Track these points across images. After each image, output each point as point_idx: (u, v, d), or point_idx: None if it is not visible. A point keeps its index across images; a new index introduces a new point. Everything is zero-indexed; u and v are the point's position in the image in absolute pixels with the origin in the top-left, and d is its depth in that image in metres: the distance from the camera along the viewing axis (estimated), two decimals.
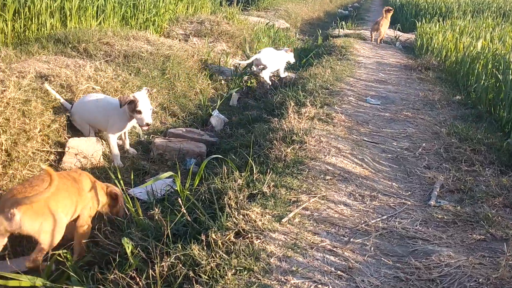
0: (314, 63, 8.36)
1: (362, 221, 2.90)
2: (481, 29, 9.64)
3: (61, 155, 4.03)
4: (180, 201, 2.76)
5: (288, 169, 3.45)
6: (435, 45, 9.25)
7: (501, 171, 3.77)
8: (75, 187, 2.69)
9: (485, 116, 5.30)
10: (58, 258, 2.55)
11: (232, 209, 2.72)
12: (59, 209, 2.49)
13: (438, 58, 8.75)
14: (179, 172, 3.22)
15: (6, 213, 2.31)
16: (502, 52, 6.37)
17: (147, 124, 3.94)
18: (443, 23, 11.60)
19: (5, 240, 2.43)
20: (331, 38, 11.65)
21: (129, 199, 3.00)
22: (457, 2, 16.82)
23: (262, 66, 7.19)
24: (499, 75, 5.48)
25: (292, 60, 7.73)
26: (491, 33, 9.03)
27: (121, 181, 3.12)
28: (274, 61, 7.27)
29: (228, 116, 6.05)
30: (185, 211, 2.69)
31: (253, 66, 7.39)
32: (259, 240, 2.45)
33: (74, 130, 4.39)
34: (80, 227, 2.72)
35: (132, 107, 3.93)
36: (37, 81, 4.54)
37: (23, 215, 2.32)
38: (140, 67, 5.93)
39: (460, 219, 2.96)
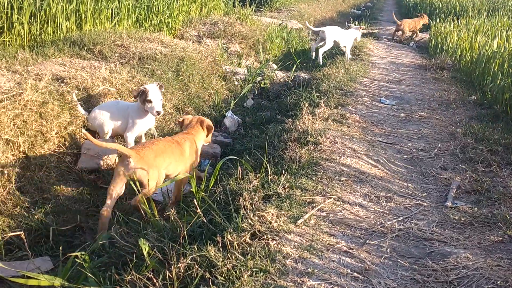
0: (328, 64, 8.33)
1: (378, 223, 2.88)
2: (496, 28, 9.53)
3: (77, 156, 4.08)
4: (195, 202, 2.77)
5: (303, 170, 3.44)
6: (450, 45, 9.16)
7: None
8: (178, 149, 3.39)
9: (502, 116, 5.23)
10: (76, 259, 2.58)
11: (248, 210, 2.72)
12: (163, 164, 3.23)
13: (453, 58, 8.67)
14: (194, 173, 3.23)
15: (125, 162, 3.10)
16: None
17: (158, 113, 4.03)
18: (458, 23, 11.48)
19: (123, 185, 3.19)
20: None
21: (144, 200, 3.02)
22: (472, 1, 16.65)
23: (323, 42, 8.60)
24: None
25: (359, 38, 9.22)
26: (506, 32, 8.92)
27: (137, 182, 3.14)
28: (340, 37, 8.58)
29: (242, 117, 6.06)
30: (200, 212, 2.70)
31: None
32: (274, 242, 2.46)
33: (90, 132, 4.43)
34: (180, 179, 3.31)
35: (143, 98, 4.04)
36: (54, 83, 4.59)
37: (136, 163, 3.10)
38: (154, 68, 5.96)
39: (477, 221, 2.93)
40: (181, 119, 3.95)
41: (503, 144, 4.19)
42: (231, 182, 3.16)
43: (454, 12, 15.28)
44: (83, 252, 2.69)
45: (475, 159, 3.93)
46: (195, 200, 2.79)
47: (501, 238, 2.70)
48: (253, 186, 3.07)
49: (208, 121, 3.86)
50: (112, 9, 7.44)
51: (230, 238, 2.42)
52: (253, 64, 8.27)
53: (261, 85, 7.44)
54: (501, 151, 4.04)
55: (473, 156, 3.97)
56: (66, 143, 4.09)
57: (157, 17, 8.52)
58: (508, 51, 6.40)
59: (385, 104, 5.79)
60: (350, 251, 2.52)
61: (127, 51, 6.27)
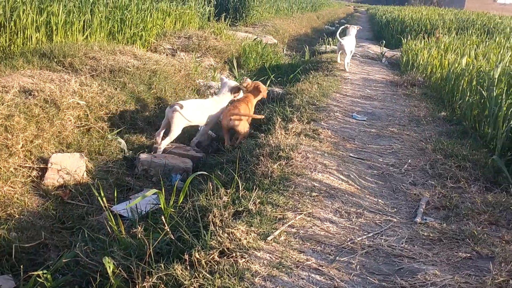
0: (301, 79, 8.39)
1: (348, 239, 2.87)
2: (465, 46, 9.77)
3: (43, 171, 3.97)
4: (163, 219, 2.71)
5: (274, 186, 3.42)
6: (421, 62, 9.35)
7: (486, 187, 3.78)
8: (248, 106, 5.25)
9: (470, 132, 5.33)
10: (38, 279, 2.48)
11: (217, 227, 2.68)
12: (245, 118, 5.05)
13: (424, 75, 8.84)
14: (163, 189, 3.18)
15: (228, 118, 4.94)
16: (486, 69, 6.45)
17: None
18: (428, 40, 11.74)
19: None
20: (318, 54, 11.74)
21: (111, 216, 2.94)
22: (442, 19, 17.10)
23: (341, 51, 9.58)
24: (483, 92, 5.54)
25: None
26: (475, 50, 9.17)
27: (104, 198, 3.06)
28: (352, 47, 9.50)
29: (215, 131, 6.02)
30: (168, 230, 2.65)
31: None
32: (243, 259, 2.42)
33: (57, 145, 4.34)
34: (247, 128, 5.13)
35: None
36: (21, 96, 4.49)
37: (233, 119, 4.92)
38: (126, 81, 5.90)
39: (446, 237, 2.95)
40: (244, 84, 5.66)
41: (471, 160, 4.25)
42: (201, 198, 3.12)
43: (425, 29, 15.66)
44: (45, 271, 2.60)
45: (444, 175, 3.98)
46: (163, 217, 2.73)
47: (469, 255, 2.72)
48: (224, 202, 3.03)
49: (261, 85, 5.56)
50: (84, 21, 7.36)
51: (198, 256, 2.37)
52: (227, 78, 8.26)
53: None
54: (469, 167, 4.10)
55: (442, 172, 4.02)
56: (32, 157, 3.98)
57: (130, 29, 8.46)
58: (477, 69, 6.55)
59: (357, 119, 5.84)
60: (320, 268, 2.50)
61: (99, 64, 6.19)
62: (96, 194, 3.21)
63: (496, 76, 5.53)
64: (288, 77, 9.13)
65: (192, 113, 4.96)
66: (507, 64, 6.81)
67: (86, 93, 5.08)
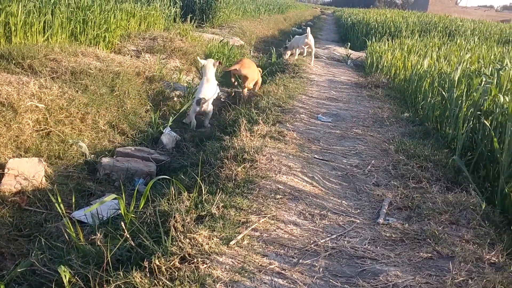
0: (268, 81, 8.40)
1: (312, 241, 2.87)
2: (427, 48, 9.99)
3: (0, 176, 3.82)
4: (123, 225, 2.64)
5: (238, 189, 3.39)
6: (385, 63, 9.51)
7: (447, 187, 3.85)
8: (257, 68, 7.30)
9: (432, 133, 5.43)
10: None
11: (178, 233, 2.63)
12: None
13: (388, 76, 8.99)
14: (123, 194, 3.11)
15: (237, 68, 7.00)
16: (448, 70, 6.60)
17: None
18: (392, 42, 11.96)
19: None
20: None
21: (69, 223, 2.85)
22: (406, 22, 17.45)
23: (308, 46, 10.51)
24: (444, 93, 5.66)
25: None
26: (437, 52, 9.38)
27: (61, 205, 2.96)
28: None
29: (180, 133, 5.95)
30: (128, 236, 2.58)
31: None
32: (205, 265, 2.37)
33: (14, 150, 4.19)
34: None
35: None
36: None
37: (243, 70, 7.03)
38: (88, 84, 5.75)
39: (407, 237, 2.98)
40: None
41: (432, 160, 4.33)
42: (163, 202, 3.06)
43: (389, 32, 15.95)
44: (0, 281, 2.50)
45: (406, 175, 4.03)
46: (122, 223, 2.66)
47: (430, 255, 2.75)
48: (186, 206, 2.98)
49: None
50: (44, 22, 7.15)
51: (158, 263, 2.31)
52: (193, 80, 8.19)
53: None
54: (431, 168, 4.17)
55: (405, 173, 4.08)
56: None
57: (93, 30, 8.27)
58: (438, 71, 6.69)
59: (322, 121, 5.88)
60: (283, 272, 2.48)
61: (60, 66, 6.02)
62: (54, 200, 3.11)
63: (456, 78, 5.66)
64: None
65: (211, 95, 6.21)
66: (467, 66, 6.99)
67: (46, 96, 4.93)
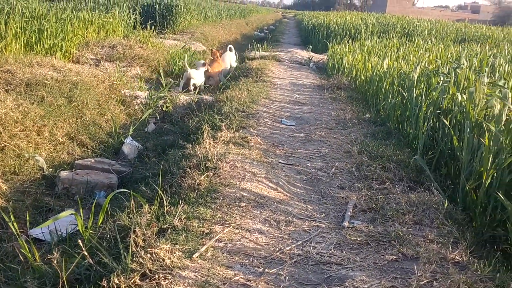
0: (231, 86, 8.35)
1: (277, 249, 2.82)
2: (387, 49, 10.15)
3: None
4: (80, 243, 2.53)
5: (201, 199, 3.32)
6: (346, 65, 9.61)
7: (410, 187, 3.88)
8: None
9: (394, 133, 5.49)
10: None
11: (139, 248, 2.53)
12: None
13: (349, 78, 9.08)
14: (81, 209, 2.99)
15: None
16: (407, 70, 6.70)
17: None
18: (353, 44, 12.11)
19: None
20: (247, 61, 11.75)
21: (24, 243, 2.72)
22: (365, 24, 17.73)
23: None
24: (404, 93, 5.73)
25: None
26: (396, 52, 9.54)
27: (15, 223, 2.82)
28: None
29: (143, 143, 5.83)
30: (86, 253, 2.47)
31: None
32: (167, 281, 2.29)
33: None
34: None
35: None
36: None
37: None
38: (44, 95, 5.57)
39: (372, 240, 2.98)
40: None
41: (395, 160, 4.36)
42: (123, 216, 2.95)
43: (349, 34, 16.16)
44: None
45: (370, 176, 4.04)
46: (79, 240, 2.55)
47: (395, 257, 2.75)
48: (147, 220, 2.88)
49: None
50: None
51: (117, 281, 2.22)
52: (153, 87, 8.06)
53: (164, 109, 7.26)
54: (393, 168, 4.20)
55: (368, 174, 4.09)
56: None
57: (49, 40, 8.04)
58: (397, 71, 6.79)
59: (286, 125, 5.86)
60: (248, 283, 2.42)
61: (14, 77, 5.82)
62: (7, 219, 2.96)
63: (415, 78, 5.74)
64: (218, 85, 9.07)
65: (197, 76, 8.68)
66: (426, 65, 7.12)
67: None
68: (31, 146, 4.74)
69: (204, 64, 9.03)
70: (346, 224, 3.21)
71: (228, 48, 10.58)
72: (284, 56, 13.14)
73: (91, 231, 2.87)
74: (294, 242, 2.93)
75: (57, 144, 5.08)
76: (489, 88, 4.49)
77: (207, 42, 15.62)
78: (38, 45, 7.86)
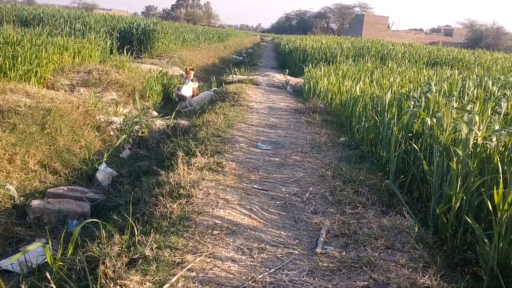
0: (208, 110, 8.38)
1: (250, 277, 2.81)
2: (360, 73, 10.35)
3: None
4: (48, 275, 2.48)
5: (173, 227, 3.29)
6: (321, 89, 9.74)
7: (382, 211, 3.92)
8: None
9: (368, 156, 5.56)
10: None
11: (108, 279, 2.50)
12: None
13: (325, 101, 9.20)
14: (49, 241, 2.94)
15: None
16: (380, 94, 6.83)
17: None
18: (328, 68, 12.31)
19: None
20: (224, 85, 11.83)
21: None
22: (340, 48, 18.06)
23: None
24: (376, 117, 5.84)
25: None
26: (369, 76, 9.73)
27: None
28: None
29: (117, 169, 5.78)
30: (54, 286, 2.42)
31: None
32: None
33: None
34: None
35: None
36: None
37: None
38: (16, 122, 5.50)
39: (345, 266, 2.99)
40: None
41: (368, 184, 4.41)
42: (93, 247, 2.91)
43: (325, 58, 16.43)
44: None
45: (343, 201, 4.08)
46: (47, 273, 2.50)
47: (366, 283, 2.76)
48: (117, 250, 2.85)
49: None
50: None
51: None
52: (129, 112, 8.04)
53: (139, 134, 7.23)
54: (366, 192, 4.25)
55: (341, 198, 4.12)
56: None
57: (24, 66, 7.97)
58: (370, 95, 6.92)
59: (262, 149, 5.89)
60: None
61: None
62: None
63: (387, 102, 5.85)
64: (195, 109, 9.09)
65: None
66: (398, 89, 7.28)
67: None
68: (2, 175, 4.66)
69: (192, 80, 10.69)
70: (319, 250, 3.22)
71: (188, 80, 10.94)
72: (261, 79, 13.26)
73: (60, 263, 2.82)
74: (266, 270, 2.93)
75: (29, 172, 5.01)
76: (457, 112, 4.61)
77: (185, 66, 15.68)
78: (12, 71, 7.79)
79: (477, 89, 6.80)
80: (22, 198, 4.54)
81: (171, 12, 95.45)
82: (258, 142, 6.23)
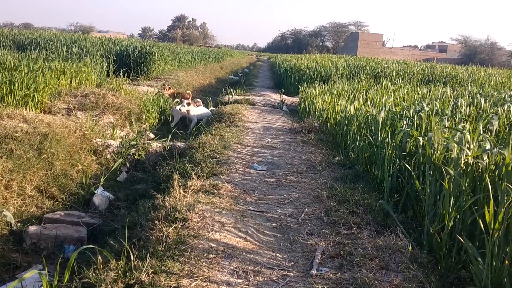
0: (203, 131, 8.44)
1: None
2: (355, 92, 10.45)
3: None
4: None
5: (169, 251, 3.32)
6: (316, 108, 9.83)
7: (377, 231, 3.95)
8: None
9: (363, 176, 5.61)
10: None
11: None
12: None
13: (320, 120, 9.28)
14: (46, 267, 2.96)
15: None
16: (374, 113, 6.91)
17: None
18: (323, 87, 12.42)
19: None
20: (221, 105, 11.92)
21: None
22: (335, 66, 18.23)
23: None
24: (370, 136, 5.90)
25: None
26: (364, 95, 9.83)
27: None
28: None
29: (114, 193, 5.81)
30: None
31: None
32: None
33: None
34: None
35: None
36: None
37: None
38: (13, 148, 5.54)
39: (340, 287, 3.01)
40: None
41: (362, 204, 4.45)
42: (89, 273, 2.93)
43: (320, 77, 16.58)
44: None
45: (338, 221, 4.11)
46: None
47: None
48: (113, 276, 2.87)
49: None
50: None
51: None
52: (126, 135, 8.09)
53: (136, 157, 7.27)
54: (360, 212, 4.28)
55: (336, 219, 4.15)
56: None
57: (21, 91, 8.05)
58: (364, 114, 7.00)
59: (258, 170, 5.93)
60: None
61: None
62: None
63: (380, 121, 5.92)
64: (191, 130, 9.16)
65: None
66: (392, 107, 7.36)
67: None
68: None
69: (188, 104, 10.60)
70: (314, 272, 3.24)
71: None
72: (257, 99, 13.37)
73: None
74: None
75: (26, 198, 5.03)
76: (449, 131, 4.67)
77: (181, 88, 15.79)
78: (9, 96, 7.87)
79: (470, 107, 6.89)
80: (19, 224, 4.56)
81: (167, 33, 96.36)
82: (254, 163, 6.27)
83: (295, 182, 5.43)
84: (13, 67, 8.46)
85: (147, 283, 2.86)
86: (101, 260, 3.05)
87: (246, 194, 4.95)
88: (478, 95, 8.99)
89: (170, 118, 10.67)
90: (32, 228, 4.36)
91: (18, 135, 5.90)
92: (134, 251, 3.21)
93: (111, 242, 3.68)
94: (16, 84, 8.01)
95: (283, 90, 14.56)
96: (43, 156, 5.72)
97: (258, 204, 4.68)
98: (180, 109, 10.27)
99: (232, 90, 14.32)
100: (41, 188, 5.29)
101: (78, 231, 4.46)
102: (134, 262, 3.08)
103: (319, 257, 3.46)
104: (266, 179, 5.55)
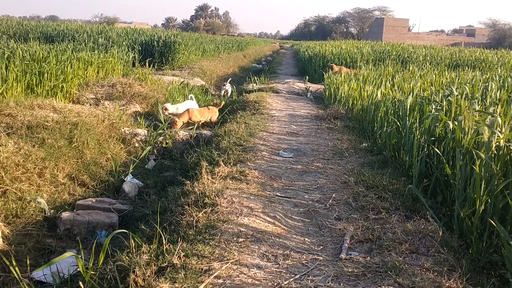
0: (229, 119, 8.48)
1: (276, 284, 2.86)
2: (381, 77, 10.32)
3: None
4: (81, 284, 2.58)
5: (200, 235, 3.37)
6: (342, 95, 9.75)
7: (406, 216, 3.93)
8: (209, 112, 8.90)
9: (390, 161, 5.56)
10: None
11: None
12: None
13: (346, 107, 9.21)
14: (81, 251, 3.04)
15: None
16: (401, 98, 6.82)
17: None
18: (348, 73, 12.30)
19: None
20: (245, 94, 11.93)
21: (26, 287, 2.77)
22: (360, 52, 18.01)
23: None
24: (397, 121, 5.83)
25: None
26: (391, 81, 9.70)
27: (17, 268, 2.88)
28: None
29: (143, 180, 5.90)
30: None
31: None
32: None
33: None
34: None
35: None
36: None
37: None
38: (45, 137, 5.68)
39: (369, 271, 3.01)
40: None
41: (391, 190, 4.42)
42: (123, 256, 3.01)
43: (345, 63, 16.41)
44: None
45: (366, 207, 4.10)
46: (80, 282, 2.60)
47: (391, 287, 2.78)
48: (146, 259, 2.94)
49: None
50: None
51: None
52: (153, 124, 8.19)
53: (163, 145, 7.36)
54: (389, 197, 4.26)
55: (365, 204, 4.14)
56: None
57: (50, 82, 8.23)
58: (391, 99, 6.91)
59: (284, 157, 5.94)
60: None
61: (15, 121, 5.94)
62: (8, 263, 3.01)
63: (408, 106, 5.85)
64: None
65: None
66: (420, 93, 7.25)
67: (1, 153, 4.83)
68: (32, 189, 4.81)
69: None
70: (343, 256, 3.25)
71: (189, 96, 9.94)
72: (281, 87, 13.34)
73: (92, 272, 2.92)
74: (292, 276, 2.97)
75: (58, 185, 5.16)
76: (480, 115, 4.58)
77: (205, 77, 15.88)
78: (39, 87, 8.05)
79: (500, 91, 6.73)
80: (53, 210, 4.69)
81: (191, 23, 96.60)
82: (280, 150, 6.28)
83: (321, 168, 5.42)
84: (42, 59, 8.63)
85: (179, 266, 2.91)
86: (133, 244, 3.12)
87: (273, 180, 4.97)
88: (509, 78, 8.77)
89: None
90: (65, 214, 4.47)
91: (49, 124, 6.04)
92: (166, 235, 3.28)
93: (143, 227, 3.76)
94: (46, 75, 8.18)
95: (307, 77, 14.48)
96: (73, 145, 5.85)
97: (285, 190, 4.69)
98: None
99: (256, 78, 14.31)
100: (73, 175, 5.42)
101: (110, 217, 4.56)
102: (165, 245, 3.14)
103: (348, 242, 3.46)
104: (293, 166, 5.56)
